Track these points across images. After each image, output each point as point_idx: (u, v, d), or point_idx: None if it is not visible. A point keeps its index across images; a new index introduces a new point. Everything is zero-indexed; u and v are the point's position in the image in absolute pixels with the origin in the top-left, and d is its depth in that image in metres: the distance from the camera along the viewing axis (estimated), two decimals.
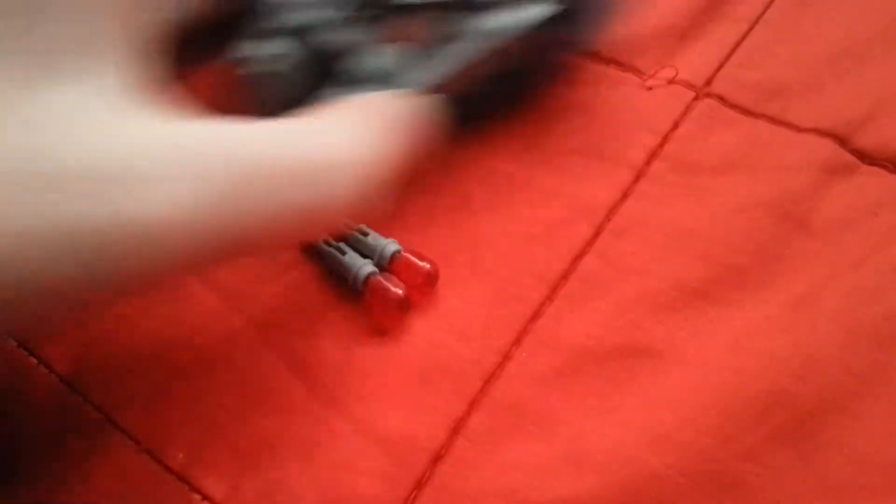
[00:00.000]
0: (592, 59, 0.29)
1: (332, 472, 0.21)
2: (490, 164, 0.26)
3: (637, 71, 0.28)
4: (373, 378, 0.22)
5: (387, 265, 0.24)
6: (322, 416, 0.22)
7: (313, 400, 0.22)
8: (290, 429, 0.22)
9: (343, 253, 0.24)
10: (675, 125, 0.27)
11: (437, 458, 0.21)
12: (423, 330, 0.23)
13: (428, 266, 0.23)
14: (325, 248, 0.24)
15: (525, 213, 0.25)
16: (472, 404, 0.22)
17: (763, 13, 0.29)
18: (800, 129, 0.26)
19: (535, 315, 0.23)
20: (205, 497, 0.21)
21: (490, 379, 0.22)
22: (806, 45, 0.28)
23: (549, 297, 0.23)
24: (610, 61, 0.29)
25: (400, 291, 0.23)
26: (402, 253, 0.24)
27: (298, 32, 0.21)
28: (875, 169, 0.25)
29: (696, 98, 0.27)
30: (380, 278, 0.23)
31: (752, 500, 0.19)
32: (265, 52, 0.22)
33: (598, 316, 0.23)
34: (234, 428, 0.22)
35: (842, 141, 0.25)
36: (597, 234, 0.24)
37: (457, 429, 0.21)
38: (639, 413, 0.21)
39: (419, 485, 0.21)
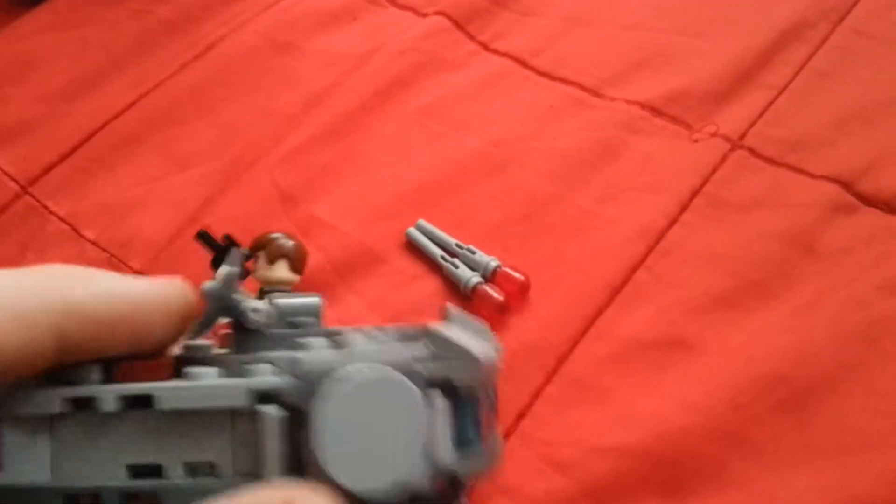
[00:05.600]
0: (653, 114, 0.36)
1: None
2: (570, 201, 0.34)
3: (686, 125, 0.36)
4: None
5: (490, 277, 0.32)
6: None
7: None
8: None
9: (456, 267, 0.32)
10: (714, 170, 0.34)
11: (520, 416, 0.29)
12: (516, 322, 0.31)
13: (522, 278, 0.31)
14: (443, 262, 0.32)
15: (595, 237, 0.33)
16: (548, 377, 0.29)
17: (789, 83, 0.36)
18: (813, 176, 0.33)
19: (598, 313, 0.30)
20: None
21: (562, 360, 0.30)
22: (822, 109, 0.35)
23: (608, 301, 0.31)
24: (666, 116, 0.36)
25: (500, 297, 0.31)
26: (502, 268, 0.32)
27: None
28: (872, 209, 0.31)
29: (731, 149, 0.34)
30: (485, 287, 0.31)
31: (756, 452, 0.26)
32: None
33: (645, 316, 0.30)
34: None
35: (846, 186, 0.32)
36: (647, 252, 0.32)
37: (536, 394, 0.29)
38: (673, 388, 0.28)
39: (507, 434, 0.28)
